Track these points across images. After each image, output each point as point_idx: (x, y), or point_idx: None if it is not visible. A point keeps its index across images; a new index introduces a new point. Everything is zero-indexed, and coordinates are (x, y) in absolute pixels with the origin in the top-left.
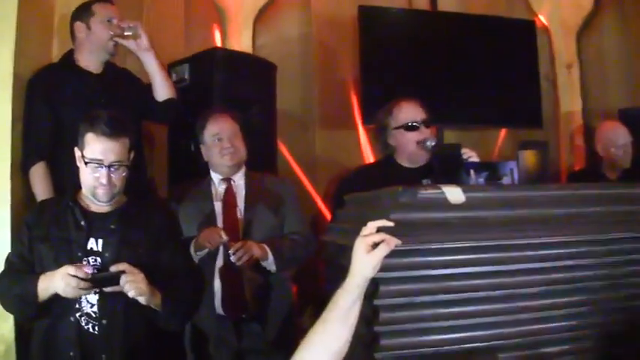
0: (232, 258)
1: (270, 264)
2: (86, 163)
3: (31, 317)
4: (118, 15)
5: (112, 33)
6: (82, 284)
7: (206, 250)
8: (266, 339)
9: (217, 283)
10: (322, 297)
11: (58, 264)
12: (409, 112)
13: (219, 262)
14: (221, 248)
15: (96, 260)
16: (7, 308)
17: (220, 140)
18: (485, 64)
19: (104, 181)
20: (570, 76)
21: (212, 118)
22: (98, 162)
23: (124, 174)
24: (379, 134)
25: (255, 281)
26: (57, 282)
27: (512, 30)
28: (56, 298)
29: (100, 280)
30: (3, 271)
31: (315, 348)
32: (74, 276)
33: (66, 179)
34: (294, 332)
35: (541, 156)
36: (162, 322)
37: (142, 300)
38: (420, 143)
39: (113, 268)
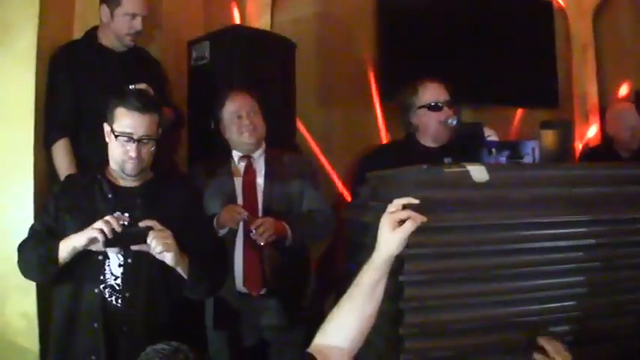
0: (252, 235)
1: (289, 241)
2: (116, 137)
3: (50, 279)
4: (144, 11)
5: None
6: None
7: (227, 228)
8: (286, 316)
9: (238, 260)
10: (340, 275)
11: (82, 226)
12: (434, 92)
13: (240, 239)
14: (241, 225)
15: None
16: (28, 271)
17: (239, 118)
18: (502, 44)
19: (133, 154)
20: (586, 57)
21: (230, 96)
22: (128, 135)
23: (152, 149)
24: (402, 112)
25: (275, 258)
26: (80, 237)
27: (530, 10)
28: (80, 266)
29: (125, 236)
30: (26, 238)
31: (341, 323)
32: (102, 232)
33: (87, 155)
34: (314, 310)
35: (563, 135)
36: (188, 289)
37: (168, 259)
38: (443, 122)
39: (142, 224)
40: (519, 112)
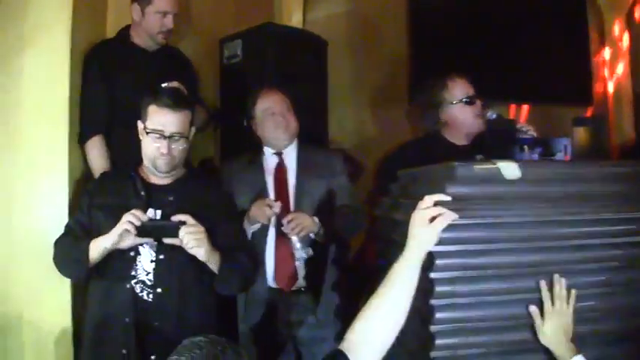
0: (284, 229)
1: (321, 236)
2: (147, 133)
3: (82, 278)
4: (176, 9)
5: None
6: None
7: (259, 224)
8: (316, 312)
9: (270, 255)
10: (371, 272)
11: (114, 223)
12: (465, 86)
13: (272, 234)
14: (273, 220)
15: None
16: (61, 268)
17: (273, 114)
18: (536, 41)
19: (164, 150)
20: (620, 53)
21: (263, 93)
22: (159, 132)
23: (184, 146)
24: (428, 109)
25: (305, 253)
26: (109, 236)
27: (564, 7)
28: (112, 263)
29: (158, 229)
30: (60, 236)
31: (374, 318)
32: (131, 222)
33: (121, 153)
34: (345, 306)
35: (596, 131)
36: (218, 284)
37: (200, 254)
38: (478, 116)
39: (174, 218)
40: (553, 110)
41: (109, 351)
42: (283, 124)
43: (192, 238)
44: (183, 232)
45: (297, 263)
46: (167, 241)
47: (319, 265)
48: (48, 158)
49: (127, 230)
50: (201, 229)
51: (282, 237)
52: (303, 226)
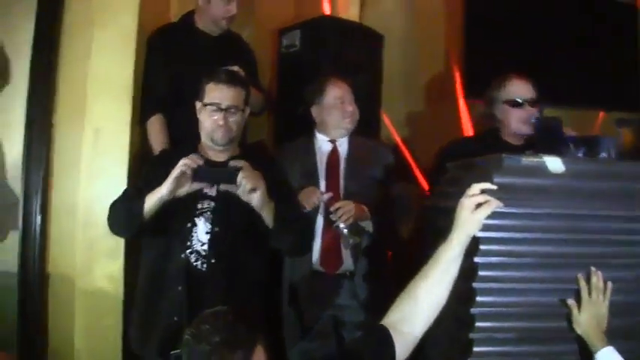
0: (333, 216)
1: (368, 225)
2: (205, 106)
3: (135, 231)
4: None
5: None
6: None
7: (307, 209)
8: (359, 297)
9: (317, 239)
10: (417, 261)
11: (172, 200)
12: (517, 88)
13: (320, 219)
14: (322, 206)
15: (210, 204)
16: (115, 224)
17: (343, 103)
18: (586, 46)
19: (221, 122)
20: None
21: (333, 82)
22: (216, 105)
23: (240, 120)
24: (487, 105)
25: (352, 240)
26: (166, 183)
27: (615, 13)
28: (168, 233)
29: (214, 173)
30: (116, 199)
31: (416, 298)
32: (188, 165)
33: (182, 133)
34: (387, 293)
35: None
36: (273, 236)
37: (255, 199)
38: (523, 120)
39: (232, 164)
40: (600, 114)
41: (161, 318)
42: (352, 114)
43: (249, 181)
44: (240, 175)
45: (343, 249)
46: (223, 186)
47: (365, 251)
48: (111, 134)
49: (183, 173)
50: (259, 174)
51: (329, 222)
52: (350, 214)
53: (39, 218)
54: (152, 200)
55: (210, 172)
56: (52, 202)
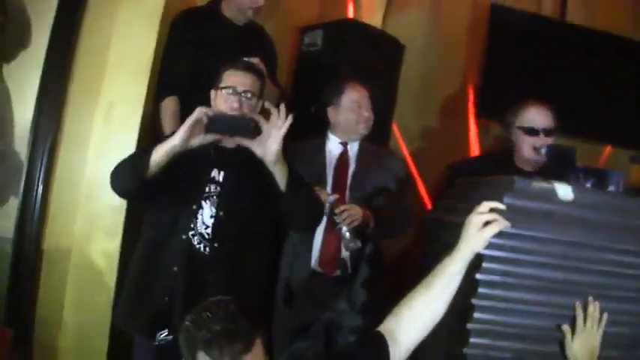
0: (337, 218)
1: (370, 230)
2: (221, 90)
3: (139, 182)
4: None
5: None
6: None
7: None
8: (356, 302)
9: (318, 240)
10: (414, 271)
11: (179, 181)
12: (533, 116)
13: (323, 220)
14: (327, 207)
15: (217, 188)
16: (118, 178)
17: (359, 107)
18: (601, 80)
19: (236, 104)
20: None
21: (352, 85)
22: (232, 88)
23: (254, 107)
24: (503, 129)
25: (353, 244)
26: (180, 129)
27: (636, 52)
28: (172, 211)
29: (230, 123)
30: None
31: (415, 308)
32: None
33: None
34: (384, 300)
35: None
36: (285, 198)
37: (272, 151)
38: (536, 149)
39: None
40: (607, 149)
41: (152, 297)
42: (367, 119)
43: (267, 130)
44: (262, 122)
45: (343, 252)
46: (238, 140)
47: (365, 257)
48: (124, 110)
49: (198, 120)
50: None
51: (332, 224)
52: (354, 217)
53: (41, 187)
54: (162, 150)
55: (225, 121)
56: (56, 173)
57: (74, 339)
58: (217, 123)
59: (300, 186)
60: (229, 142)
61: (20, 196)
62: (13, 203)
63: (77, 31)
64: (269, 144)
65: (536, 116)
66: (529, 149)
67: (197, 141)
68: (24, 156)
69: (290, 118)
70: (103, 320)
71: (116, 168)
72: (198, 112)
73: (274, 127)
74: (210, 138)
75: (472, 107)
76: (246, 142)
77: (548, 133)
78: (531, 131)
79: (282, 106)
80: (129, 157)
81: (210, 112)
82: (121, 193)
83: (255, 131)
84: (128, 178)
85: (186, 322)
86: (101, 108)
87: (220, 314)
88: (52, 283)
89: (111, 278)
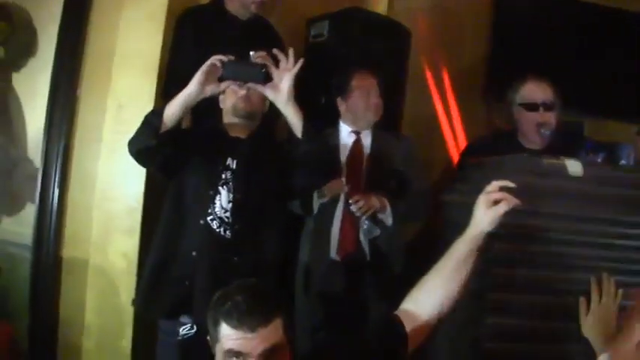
0: (352, 207)
1: (387, 217)
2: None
3: (152, 141)
4: None
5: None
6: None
7: (327, 198)
8: (374, 288)
9: (335, 229)
10: (432, 255)
11: (196, 166)
12: (533, 91)
13: (340, 209)
14: (342, 196)
15: (231, 175)
16: (133, 142)
17: (368, 95)
18: (613, 57)
19: (243, 91)
20: None
21: (361, 73)
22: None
23: (262, 96)
24: (506, 107)
25: (371, 232)
26: (195, 78)
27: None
28: (189, 199)
29: (243, 71)
30: None
31: (430, 290)
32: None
33: (203, 113)
34: (402, 286)
35: None
36: (302, 143)
37: (284, 90)
38: (537, 125)
39: (254, 55)
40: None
41: (172, 281)
42: (375, 107)
43: (278, 75)
44: (272, 69)
45: (362, 240)
46: (251, 85)
47: (381, 243)
48: (134, 110)
49: (213, 66)
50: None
51: (348, 213)
52: (369, 206)
53: (57, 192)
54: (176, 102)
55: (239, 69)
56: (70, 176)
57: (98, 339)
58: (231, 71)
59: (314, 134)
60: (241, 133)
61: (37, 201)
62: (30, 210)
63: (83, 34)
64: (281, 85)
65: (536, 90)
66: (531, 126)
67: (212, 89)
68: (38, 162)
69: (301, 61)
70: (125, 320)
71: (133, 135)
72: (213, 59)
73: (285, 71)
74: (223, 86)
75: (483, 90)
76: (259, 88)
77: (547, 107)
78: (531, 106)
79: (291, 50)
80: (143, 118)
81: (224, 59)
82: (137, 153)
83: (267, 78)
84: (142, 134)
85: (213, 299)
86: (111, 109)
87: (243, 290)
88: (73, 285)
89: (131, 278)
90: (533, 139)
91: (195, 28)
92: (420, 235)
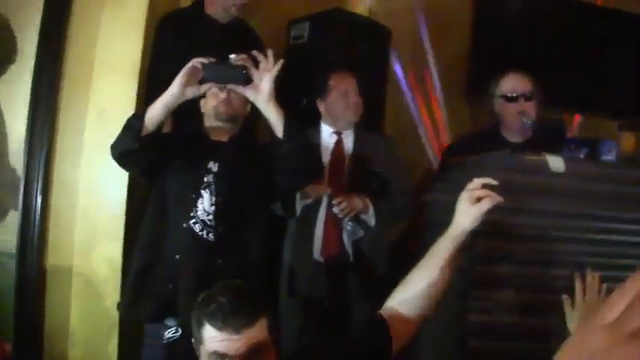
0: (335, 209)
1: (370, 217)
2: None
3: (134, 144)
4: None
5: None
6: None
7: (310, 199)
8: (358, 288)
9: (319, 230)
10: (415, 254)
11: (178, 170)
12: (512, 82)
13: (322, 210)
14: (325, 197)
15: (213, 178)
16: (114, 146)
17: (347, 95)
18: (595, 50)
19: (224, 95)
20: None
21: (338, 74)
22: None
23: (243, 100)
24: (487, 102)
25: (354, 233)
26: (176, 81)
27: (629, 25)
28: (170, 203)
29: (223, 72)
30: None
31: (414, 288)
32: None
33: (185, 116)
34: (386, 286)
35: None
36: (282, 147)
37: (265, 91)
38: (518, 115)
39: (234, 57)
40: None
41: (156, 285)
42: (355, 106)
43: (258, 76)
44: (252, 70)
45: (345, 241)
46: (231, 86)
47: (365, 244)
48: (115, 116)
49: (194, 68)
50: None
51: (331, 214)
52: (352, 207)
53: (39, 199)
54: (157, 105)
55: (220, 71)
56: (53, 183)
57: (83, 348)
58: (211, 72)
59: (295, 133)
60: (222, 137)
61: (20, 208)
62: (12, 217)
63: (63, 40)
64: (261, 85)
65: (516, 82)
66: (513, 116)
67: (193, 91)
68: (20, 169)
69: (280, 62)
70: (111, 326)
71: (115, 138)
72: (193, 61)
73: (265, 72)
74: (204, 88)
75: (466, 88)
76: (240, 89)
77: (527, 97)
78: (511, 98)
79: (270, 51)
80: (125, 122)
81: (205, 61)
82: (119, 157)
83: (247, 79)
84: (124, 137)
85: (197, 301)
86: (92, 115)
87: (227, 291)
88: (58, 293)
89: (115, 283)
90: (515, 130)
91: (175, 31)
92: (403, 235)
